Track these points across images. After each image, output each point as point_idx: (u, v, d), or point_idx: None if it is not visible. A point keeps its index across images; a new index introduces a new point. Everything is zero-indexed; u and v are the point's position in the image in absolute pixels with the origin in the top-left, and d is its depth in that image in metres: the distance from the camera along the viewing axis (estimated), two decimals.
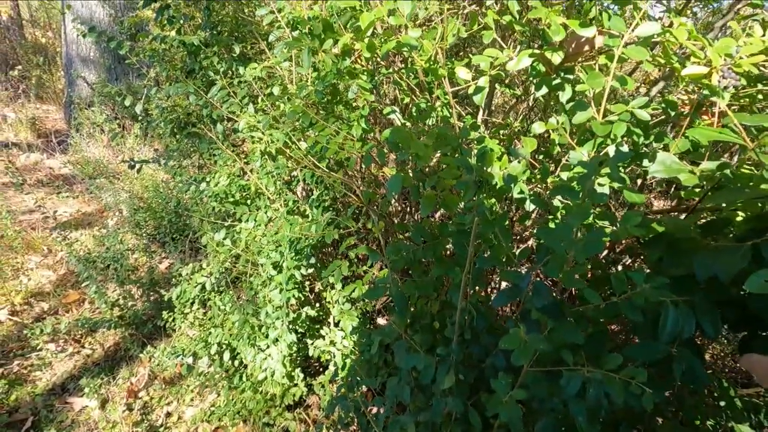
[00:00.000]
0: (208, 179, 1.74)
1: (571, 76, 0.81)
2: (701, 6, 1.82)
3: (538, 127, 0.84)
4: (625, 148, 0.68)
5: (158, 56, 1.80)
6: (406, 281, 1.08)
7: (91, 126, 3.56)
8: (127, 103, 1.95)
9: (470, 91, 0.86)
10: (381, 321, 2.01)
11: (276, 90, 1.61)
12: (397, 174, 0.89)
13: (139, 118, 2.05)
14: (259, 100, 1.64)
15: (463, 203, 0.78)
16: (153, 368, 1.93)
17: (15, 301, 2.20)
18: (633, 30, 0.65)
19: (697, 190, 0.80)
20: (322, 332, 1.67)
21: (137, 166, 1.78)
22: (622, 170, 0.65)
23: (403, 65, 1.33)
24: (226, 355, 1.70)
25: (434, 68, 0.85)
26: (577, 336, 0.65)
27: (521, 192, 0.88)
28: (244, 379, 1.71)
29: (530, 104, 1.23)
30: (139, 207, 2.54)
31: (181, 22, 1.73)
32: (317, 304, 1.77)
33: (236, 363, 1.74)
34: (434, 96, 1.13)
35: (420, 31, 0.81)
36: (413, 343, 0.98)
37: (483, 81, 0.83)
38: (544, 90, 0.81)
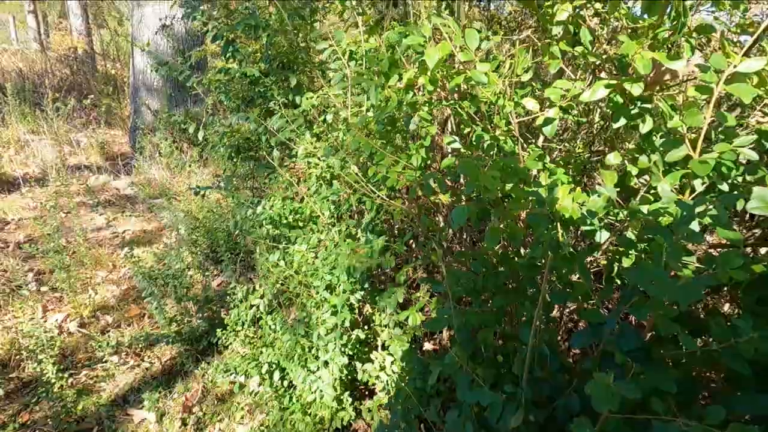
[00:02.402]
0: (263, 202, 1.82)
1: (649, 106, 0.78)
2: None
3: (613, 158, 0.81)
4: (724, 187, 0.64)
5: (221, 86, 1.93)
6: (466, 312, 1.06)
7: (153, 150, 3.83)
8: (190, 130, 2.09)
9: (538, 121, 0.85)
10: (428, 346, 1.98)
11: (329, 117, 1.67)
12: (461, 207, 0.89)
13: (199, 143, 2.18)
14: (315, 127, 1.70)
15: (535, 237, 0.76)
16: (206, 384, 1.99)
17: (84, 313, 2.36)
18: (735, 67, 0.62)
19: None
20: (371, 356, 1.66)
21: (201, 191, 1.88)
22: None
23: (459, 95, 1.34)
24: (276, 375, 1.73)
25: (501, 103, 0.85)
26: (669, 384, 0.61)
27: (591, 224, 0.85)
28: (293, 400, 1.72)
29: (594, 131, 1.20)
30: (196, 226, 2.68)
31: (243, 55, 1.85)
32: (365, 327, 1.77)
33: (285, 383, 1.76)
34: (493, 125, 1.13)
35: (488, 65, 0.82)
36: (476, 377, 0.95)
37: (553, 112, 0.82)
38: (623, 121, 0.79)
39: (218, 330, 1.94)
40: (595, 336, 0.67)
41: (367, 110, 1.44)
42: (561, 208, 0.78)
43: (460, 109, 1.05)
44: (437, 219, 1.47)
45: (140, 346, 2.17)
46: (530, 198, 0.81)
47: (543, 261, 0.78)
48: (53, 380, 1.80)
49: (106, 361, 2.05)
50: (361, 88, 1.34)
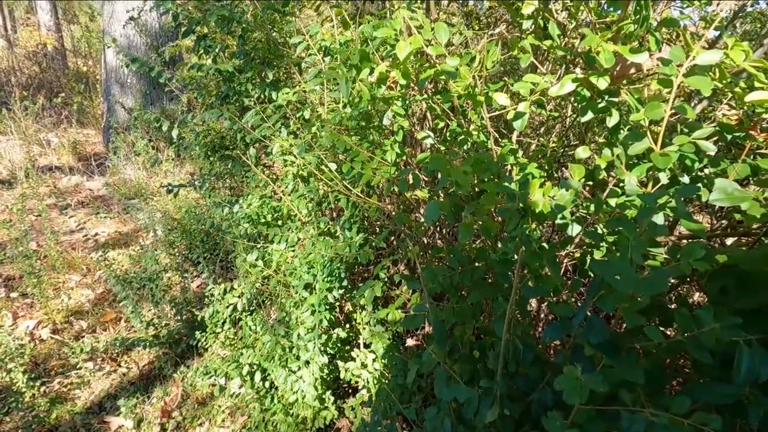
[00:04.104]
0: (240, 201, 1.78)
1: (616, 100, 0.79)
2: (741, 15, 1.75)
3: (582, 152, 0.82)
4: (685, 179, 0.64)
5: (195, 83, 1.87)
6: (443, 307, 1.06)
7: (128, 149, 3.72)
8: (164, 128, 2.03)
9: (509, 116, 0.85)
10: (410, 342, 1.98)
11: (307, 114, 1.64)
12: (434, 201, 0.88)
13: (174, 141, 2.12)
14: (291, 123, 1.67)
15: (506, 231, 0.76)
16: (186, 388, 1.95)
17: (56, 319, 2.28)
18: (693, 60, 0.62)
19: (758, 215, 0.76)
20: (353, 354, 1.65)
21: (175, 190, 1.84)
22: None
23: (433, 89, 1.34)
24: (257, 376, 1.70)
25: (473, 95, 0.84)
26: (637, 374, 0.62)
27: (563, 217, 0.85)
28: (275, 401, 1.70)
29: (566, 124, 1.21)
30: (173, 227, 2.61)
31: (217, 50, 1.80)
32: (347, 325, 1.76)
33: (267, 384, 1.73)
34: (468, 119, 1.13)
35: (458, 59, 0.81)
36: (453, 373, 0.95)
37: (523, 107, 0.82)
38: (590, 115, 0.79)
39: (197, 332, 1.90)
40: (565, 329, 0.67)
41: (344, 107, 1.42)
42: (532, 202, 0.78)
43: (434, 104, 1.05)
44: (417, 216, 1.47)
45: (116, 351, 2.11)
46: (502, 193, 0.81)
47: (515, 256, 0.78)
48: (24, 389, 1.74)
49: (80, 368, 1.99)
50: (336, 83, 1.32)
